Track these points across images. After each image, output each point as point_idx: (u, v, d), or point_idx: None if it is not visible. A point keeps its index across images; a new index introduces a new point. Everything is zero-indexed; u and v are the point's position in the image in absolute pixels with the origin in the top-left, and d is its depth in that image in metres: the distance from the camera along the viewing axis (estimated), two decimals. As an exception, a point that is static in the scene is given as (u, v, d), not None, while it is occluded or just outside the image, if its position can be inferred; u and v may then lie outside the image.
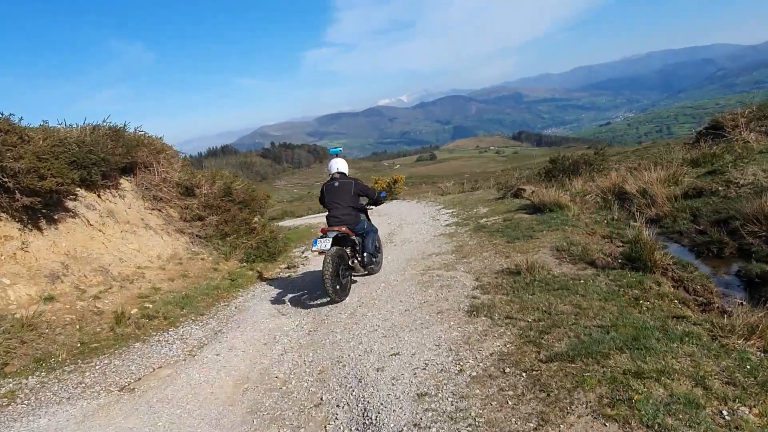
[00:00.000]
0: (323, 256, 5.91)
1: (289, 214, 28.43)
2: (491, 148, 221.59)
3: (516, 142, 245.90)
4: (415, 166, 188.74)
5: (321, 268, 5.82)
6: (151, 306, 6.80)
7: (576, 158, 14.99)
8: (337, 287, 5.95)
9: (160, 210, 9.97)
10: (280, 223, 20.14)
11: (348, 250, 6.42)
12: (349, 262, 6.35)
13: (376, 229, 7.26)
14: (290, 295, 7.17)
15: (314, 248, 5.96)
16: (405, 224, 11.78)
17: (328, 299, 6.02)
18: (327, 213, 6.59)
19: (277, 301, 6.98)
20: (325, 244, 5.93)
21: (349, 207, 6.41)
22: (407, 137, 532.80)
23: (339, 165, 6.74)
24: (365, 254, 6.48)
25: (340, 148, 7.39)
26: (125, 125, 10.14)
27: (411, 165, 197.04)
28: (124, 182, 9.73)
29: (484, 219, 10.27)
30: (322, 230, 6.24)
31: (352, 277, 6.79)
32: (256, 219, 12.58)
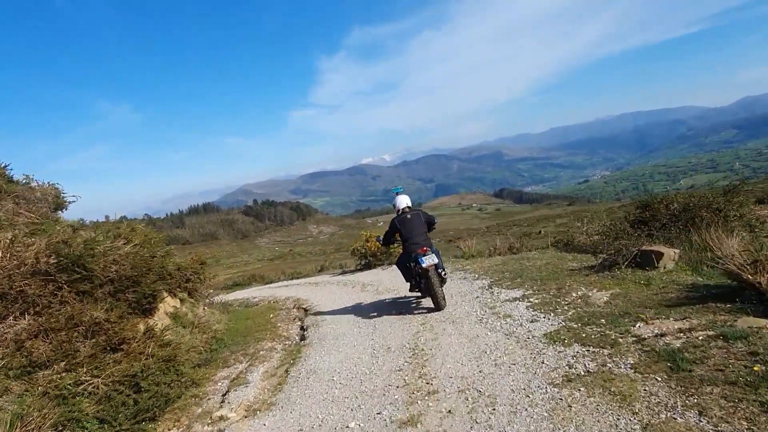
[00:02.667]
0: (427, 272, 6.61)
1: (257, 279, 22.22)
2: (473, 205, 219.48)
3: (498, 200, 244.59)
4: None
5: (427, 282, 6.66)
6: None
7: (684, 201, 9.26)
8: (444, 297, 6.86)
9: None
10: (235, 295, 14.19)
11: None
12: (442, 273, 6.91)
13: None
14: None
15: (424, 264, 6.56)
16: (435, 327, 5.88)
17: (438, 308, 6.74)
18: (407, 240, 7.02)
19: None
20: (433, 258, 6.66)
21: (424, 233, 7.08)
22: (390, 195, 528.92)
23: (406, 200, 7.53)
24: (440, 270, 6.92)
25: (402, 188, 7.86)
26: None
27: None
28: None
29: (648, 330, 4.30)
30: (422, 249, 6.74)
31: None
32: (158, 315, 6.74)
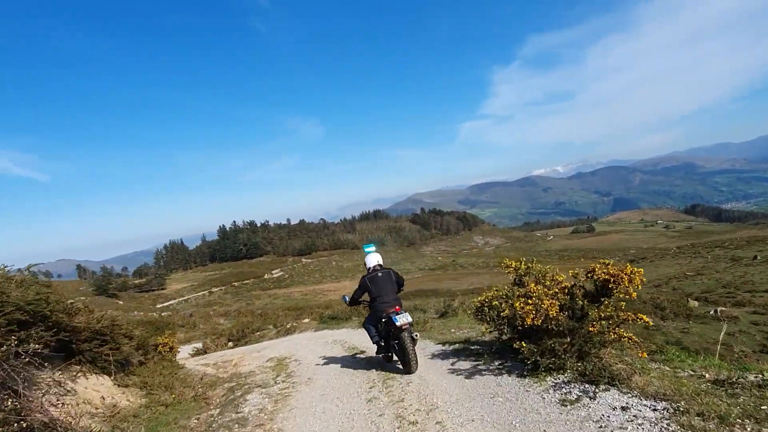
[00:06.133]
0: (401, 332, 6.12)
1: (362, 314, 15.35)
2: (658, 221, 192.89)
3: (689, 217, 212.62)
4: (571, 238, 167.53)
5: (399, 342, 6.14)
6: None
7: None
8: (416, 359, 6.24)
9: None
10: (295, 345, 8.22)
11: None
12: (414, 335, 6.33)
13: None
14: None
15: (398, 323, 6.09)
16: None
17: (409, 371, 6.14)
18: (376, 299, 6.59)
19: None
20: (407, 317, 6.19)
21: (394, 292, 6.68)
22: (562, 208, 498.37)
23: (377, 259, 7.02)
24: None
25: (374, 245, 7.38)
26: None
27: (566, 237, 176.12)
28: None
29: None
30: (396, 309, 6.34)
31: None
32: None
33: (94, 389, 6.16)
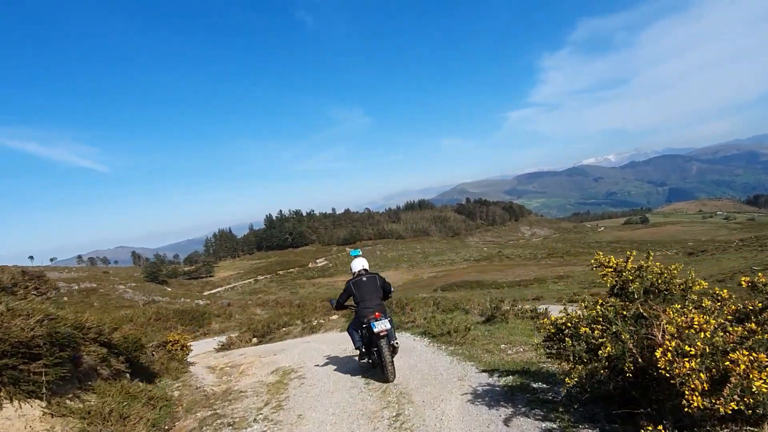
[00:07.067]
0: (379, 339, 5.97)
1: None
2: (718, 213, 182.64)
3: (751, 208, 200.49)
4: (623, 230, 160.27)
5: (378, 350, 5.96)
6: None
7: None
8: (393, 368, 6.04)
9: None
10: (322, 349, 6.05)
11: None
12: (394, 343, 6.24)
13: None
14: None
15: (375, 329, 5.98)
16: None
17: (386, 380, 5.95)
18: (359, 304, 6.49)
19: None
20: (386, 324, 6.04)
21: (378, 297, 6.58)
22: (613, 198, 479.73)
23: (363, 263, 6.97)
24: (392, 340, 6.35)
25: (359, 251, 7.41)
26: None
27: (617, 228, 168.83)
28: None
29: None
30: (376, 315, 6.16)
31: None
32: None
33: (2, 426, 4.43)
